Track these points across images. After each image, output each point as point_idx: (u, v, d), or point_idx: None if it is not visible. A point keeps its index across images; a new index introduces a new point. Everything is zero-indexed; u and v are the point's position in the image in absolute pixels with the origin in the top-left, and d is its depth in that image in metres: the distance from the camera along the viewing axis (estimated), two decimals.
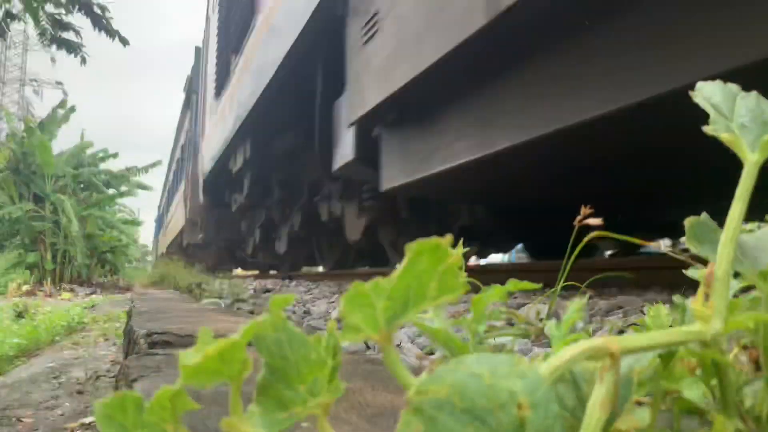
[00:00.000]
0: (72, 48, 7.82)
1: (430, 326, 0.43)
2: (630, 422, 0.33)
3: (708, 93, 0.36)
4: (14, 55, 42.13)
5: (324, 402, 0.28)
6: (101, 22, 7.57)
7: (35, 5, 7.06)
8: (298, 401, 0.28)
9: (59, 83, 41.80)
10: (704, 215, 0.38)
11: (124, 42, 8.00)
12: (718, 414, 0.35)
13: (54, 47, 7.76)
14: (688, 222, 0.37)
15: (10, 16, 7.39)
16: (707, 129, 0.34)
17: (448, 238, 0.26)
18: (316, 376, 0.28)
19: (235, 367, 0.25)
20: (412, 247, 0.25)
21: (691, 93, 0.36)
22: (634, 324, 0.60)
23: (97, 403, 0.23)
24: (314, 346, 0.29)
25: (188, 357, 0.24)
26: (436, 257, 0.25)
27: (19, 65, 42.47)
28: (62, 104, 18.07)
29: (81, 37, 8.00)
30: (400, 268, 0.26)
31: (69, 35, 7.84)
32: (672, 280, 2.51)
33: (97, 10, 7.45)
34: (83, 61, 8.10)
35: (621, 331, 1.47)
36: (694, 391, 0.38)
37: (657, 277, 2.67)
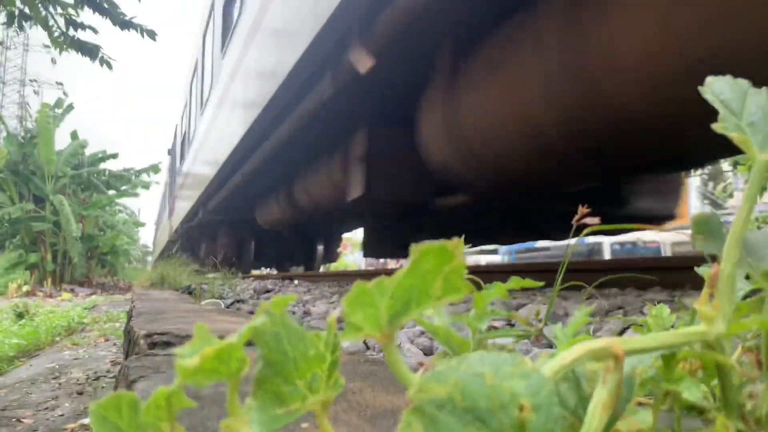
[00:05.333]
0: (91, 51, 6.85)
1: (430, 323, 0.42)
2: (631, 425, 0.33)
3: (718, 89, 0.35)
4: (14, 56, 42.18)
5: (323, 399, 0.28)
6: (118, 18, 6.57)
7: (43, 13, 6.66)
8: (296, 397, 0.28)
9: (59, 83, 41.72)
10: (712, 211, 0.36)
11: (152, 35, 6.99)
12: (719, 414, 0.34)
13: (71, 52, 6.83)
14: (695, 218, 0.36)
15: (24, 17, 6.94)
16: (716, 127, 0.33)
17: (456, 241, 0.25)
18: (315, 372, 0.28)
19: (233, 365, 0.25)
20: (418, 248, 0.25)
21: (700, 89, 0.34)
22: (635, 324, 0.60)
23: (91, 404, 0.22)
24: (313, 342, 0.29)
25: (185, 356, 0.23)
26: (441, 258, 0.25)
27: (20, 65, 42.50)
28: (59, 103, 17.96)
29: (97, 33, 7.00)
30: (404, 267, 0.25)
31: (85, 36, 6.95)
32: (672, 280, 2.51)
33: (106, 5, 6.75)
34: (109, 66, 7.07)
35: (621, 332, 1.46)
36: (693, 393, 0.37)
37: (657, 277, 2.67)
